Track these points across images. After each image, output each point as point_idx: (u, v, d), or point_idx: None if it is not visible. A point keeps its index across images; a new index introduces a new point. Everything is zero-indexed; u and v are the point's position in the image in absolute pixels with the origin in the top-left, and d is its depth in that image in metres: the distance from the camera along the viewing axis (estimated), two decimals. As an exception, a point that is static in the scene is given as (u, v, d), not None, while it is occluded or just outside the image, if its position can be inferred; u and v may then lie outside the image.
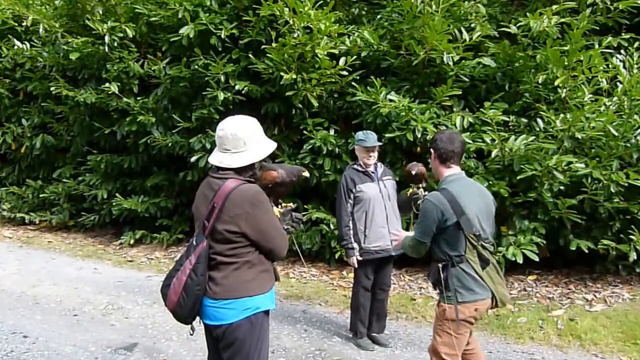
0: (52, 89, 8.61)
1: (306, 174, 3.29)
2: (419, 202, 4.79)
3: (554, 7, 6.14)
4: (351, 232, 4.83)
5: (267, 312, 2.91)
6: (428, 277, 3.68)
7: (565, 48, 5.95)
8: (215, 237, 2.75)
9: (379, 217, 4.80)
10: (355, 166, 4.93)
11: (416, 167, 4.72)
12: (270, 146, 2.93)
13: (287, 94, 6.95)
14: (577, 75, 6.03)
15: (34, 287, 6.81)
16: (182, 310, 2.79)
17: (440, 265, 3.36)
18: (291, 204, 3.22)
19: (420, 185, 4.87)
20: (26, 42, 9.12)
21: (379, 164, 4.99)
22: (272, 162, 6.87)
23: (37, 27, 8.71)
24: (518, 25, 6.35)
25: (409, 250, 3.59)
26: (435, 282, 3.44)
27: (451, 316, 3.32)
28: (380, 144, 4.99)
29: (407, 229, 5.17)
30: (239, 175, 2.82)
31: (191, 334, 2.95)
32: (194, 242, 2.81)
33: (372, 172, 4.89)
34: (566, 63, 5.94)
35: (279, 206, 3.18)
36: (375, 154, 4.91)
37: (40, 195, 9.92)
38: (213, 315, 2.81)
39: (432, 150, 3.50)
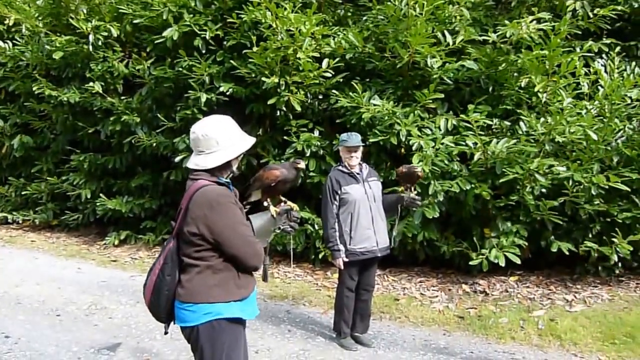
0: (34, 89, 8.56)
1: (302, 165, 3.26)
2: (415, 203, 4.84)
3: (531, 18, 6.22)
4: (337, 233, 4.81)
5: (236, 320, 2.83)
6: None
7: (545, 53, 6.03)
8: (183, 239, 2.76)
9: (365, 218, 4.81)
10: (340, 167, 4.92)
11: (419, 168, 4.89)
12: (245, 144, 2.88)
13: (269, 101, 6.96)
14: (557, 80, 6.12)
15: (17, 286, 6.76)
16: (155, 310, 2.85)
17: None
18: (290, 203, 3.21)
19: (409, 186, 4.90)
20: (8, 42, 9.05)
21: (364, 165, 4.99)
22: (256, 159, 6.96)
23: (20, 27, 8.65)
24: (497, 33, 6.41)
25: None
26: None
27: None
28: (363, 144, 5.00)
29: (391, 230, 5.21)
30: (212, 175, 2.79)
31: (165, 333, 2.98)
32: (165, 243, 2.85)
33: (357, 174, 4.88)
34: (547, 67, 6.02)
35: (277, 206, 3.18)
36: (358, 155, 4.89)
37: (23, 193, 9.86)
38: (179, 316, 2.82)
39: None
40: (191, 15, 7.54)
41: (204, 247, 2.72)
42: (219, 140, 2.78)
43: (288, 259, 7.63)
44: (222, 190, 2.75)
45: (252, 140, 2.93)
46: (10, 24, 8.66)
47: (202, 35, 7.48)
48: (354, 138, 4.87)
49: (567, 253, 6.11)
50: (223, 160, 2.79)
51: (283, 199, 3.27)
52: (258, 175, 3.17)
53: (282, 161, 7.12)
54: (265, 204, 3.20)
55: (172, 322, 2.91)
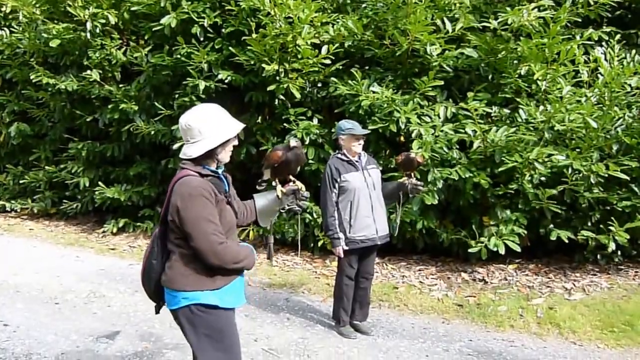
0: (32, 76, 8.53)
1: (293, 142, 3.25)
2: (417, 189, 4.83)
3: (532, 5, 6.19)
4: (336, 222, 4.79)
5: (219, 308, 2.82)
6: None
7: (545, 40, 6.01)
8: (168, 225, 2.81)
9: (364, 206, 4.79)
10: (339, 155, 4.90)
11: (418, 154, 4.89)
12: (227, 132, 2.81)
13: (269, 88, 6.93)
14: (556, 68, 6.09)
15: (15, 275, 6.75)
16: (146, 291, 2.97)
17: None
18: (298, 183, 3.24)
19: (411, 173, 4.89)
20: (5, 29, 9.00)
21: (362, 152, 4.97)
22: (255, 148, 6.94)
23: (17, 14, 8.59)
24: (498, 20, 6.38)
25: None
26: None
27: None
28: (369, 131, 4.98)
29: (389, 218, 5.20)
30: (197, 164, 2.79)
31: (156, 313, 3.07)
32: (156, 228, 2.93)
33: (357, 162, 4.86)
34: (547, 55, 5.99)
35: (285, 186, 3.22)
36: (362, 142, 4.90)
37: (21, 181, 9.86)
38: (166, 299, 2.91)
39: None
40: (189, 3, 7.49)
41: (180, 235, 2.77)
42: (202, 129, 2.76)
43: (286, 247, 7.64)
44: (198, 183, 2.73)
45: (237, 128, 2.87)
46: (7, 11, 8.61)
47: (201, 23, 7.44)
48: (359, 125, 4.88)
49: (566, 241, 6.11)
50: (204, 150, 2.77)
51: (292, 178, 3.30)
52: (266, 155, 3.30)
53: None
54: (273, 183, 3.27)
55: (163, 304, 2.99)
